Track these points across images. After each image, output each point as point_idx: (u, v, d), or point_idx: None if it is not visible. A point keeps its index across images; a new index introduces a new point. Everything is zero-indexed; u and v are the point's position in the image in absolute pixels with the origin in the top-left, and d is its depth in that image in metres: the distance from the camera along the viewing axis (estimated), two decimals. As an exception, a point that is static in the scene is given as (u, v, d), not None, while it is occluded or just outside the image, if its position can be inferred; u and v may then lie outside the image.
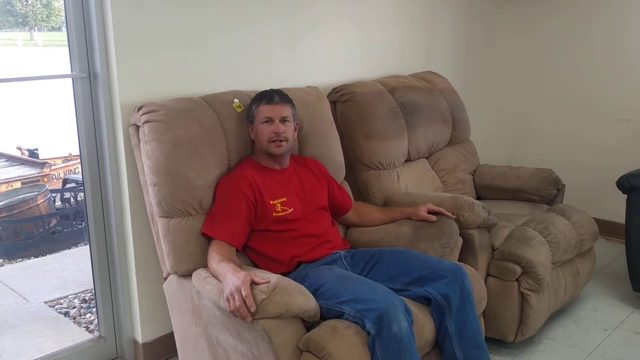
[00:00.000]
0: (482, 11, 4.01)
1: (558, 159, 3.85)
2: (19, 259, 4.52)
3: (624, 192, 2.96)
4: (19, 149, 6.76)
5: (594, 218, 2.96)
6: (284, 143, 2.23)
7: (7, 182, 5.71)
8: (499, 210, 2.82)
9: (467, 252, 2.48)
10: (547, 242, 2.60)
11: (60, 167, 6.40)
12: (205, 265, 2.07)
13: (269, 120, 2.23)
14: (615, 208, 3.25)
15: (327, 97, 2.83)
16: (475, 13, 3.96)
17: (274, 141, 2.22)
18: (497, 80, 4.19)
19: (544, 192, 3.09)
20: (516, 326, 2.53)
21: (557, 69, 4.00)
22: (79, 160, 2.40)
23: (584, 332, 2.77)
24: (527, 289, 2.50)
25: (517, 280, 2.51)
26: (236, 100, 2.37)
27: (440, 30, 3.74)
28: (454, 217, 2.41)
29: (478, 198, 3.19)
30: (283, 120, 2.24)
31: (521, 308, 2.52)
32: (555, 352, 2.60)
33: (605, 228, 3.63)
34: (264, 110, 2.24)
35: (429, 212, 2.39)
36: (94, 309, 2.91)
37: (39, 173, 6.07)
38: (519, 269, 2.50)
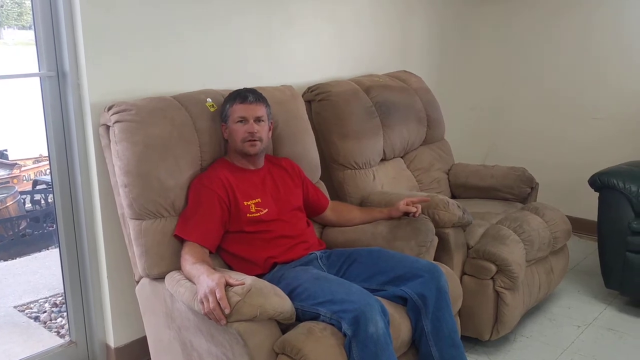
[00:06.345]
0: (457, 11, 4.03)
1: (531, 157, 3.89)
2: (-13, 263, 4.41)
3: (595, 190, 2.99)
4: (-13, 150, 6.61)
5: (567, 216, 2.99)
6: (258, 143, 2.20)
7: (-25, 184, 5.59)
8: (474, 209, 2.83)
9: (442, 251, 2.48)
10: (521, 240, 2.62)
11: (31, 168, 6.27)
12: (178, 267, 2.04)
13: (243, 120, 2.20)
14: (588, 206, 3.29)
15: (302, 96, 2.81)
16: (450, 12, 3.98)
17: (248, 141, 2.19)
18: (471, 79, 4.21)
19: (518, 190, 3.11)
20: (491, 324, 2.54)
21: (531, 68, 4.04)
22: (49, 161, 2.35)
23: (558, 329, 2.80)
24: (502, 287, 2.51)
25: (492, 278, 2.53)
26: (209, 100, 2.33)
27: (415, 30, 3.75)
28: (429, 199, 2.44)
29: (453, 197, 3.21)
30: (257, 120, 2.21)
31: (496, 306, 2.53)
32: (530, 350, 2.62)
33: (578, 226, 3.67)
34: (238, 110, 2.21)
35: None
36: (65, 314, 2.86)
37: (8, 174, 5.93)
38: (493, 268, 2.51)
